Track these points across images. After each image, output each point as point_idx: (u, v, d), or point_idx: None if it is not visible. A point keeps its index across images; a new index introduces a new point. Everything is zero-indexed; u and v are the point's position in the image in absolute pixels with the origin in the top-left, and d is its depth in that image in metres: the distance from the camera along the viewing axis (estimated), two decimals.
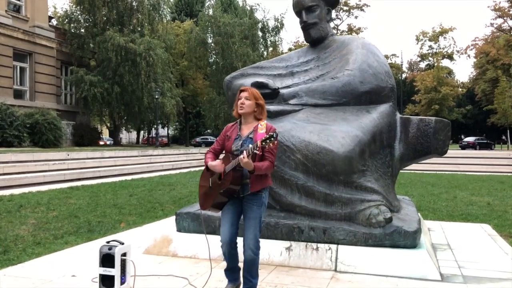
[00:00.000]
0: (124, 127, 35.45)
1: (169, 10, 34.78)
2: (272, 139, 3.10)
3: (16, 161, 12.75)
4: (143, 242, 5.05)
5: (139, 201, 9.02)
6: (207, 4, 32.54)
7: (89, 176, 14.00)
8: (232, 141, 3.48)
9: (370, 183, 4.41)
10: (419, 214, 5.26)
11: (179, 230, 4.78)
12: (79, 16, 26.18)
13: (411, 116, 5.27)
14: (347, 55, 5.49)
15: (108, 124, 33.41)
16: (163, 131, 46.91)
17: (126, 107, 25.88)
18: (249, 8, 34.03)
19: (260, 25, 34.05)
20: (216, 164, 3.38)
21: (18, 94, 21.99)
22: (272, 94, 5.24)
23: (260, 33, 34.42)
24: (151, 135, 44.98)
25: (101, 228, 6.09)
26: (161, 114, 26.48)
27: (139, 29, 26.80)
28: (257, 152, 3.19)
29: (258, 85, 5.22)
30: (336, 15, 45.78)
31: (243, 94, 3.47)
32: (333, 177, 4.33)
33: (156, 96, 24.60)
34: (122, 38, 24.30)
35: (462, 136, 52.94)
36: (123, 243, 3.41)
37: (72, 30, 25.61)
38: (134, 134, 50.25)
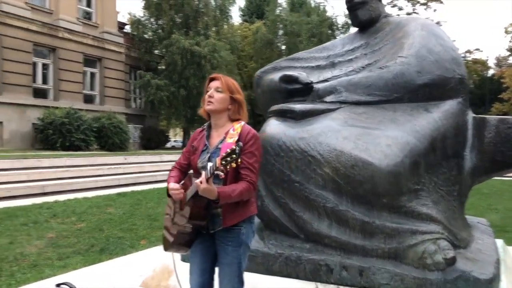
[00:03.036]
0: (191, 130, 35.61)
1: (240, 12, 34.51)
2: (234, 156, 2.08)
3: (71, 166, 12.67)
4: (151, 268, 4.22)
5: None
6: (274, 4, 31.59)
7: (144, 181, 13.64)
8: (198, 154, 2.52)
9: (426, 207, 3.22)
10: (500, 245, 3.95)
11: (183, 259, 3.88)
12: (146, 21, 26.47)
13: (487, 116, 3.96)
14: (402, 39, 4.31)
15: (178, 128, 33.71)
16: None
17: (192, 110, 25.72)
18: (317, 5, 32.74)
19: (328, 22, 32.62)
20: (173, 188, 2.43)
21: (88, 99, 22.53)
22: (304, 90, 4.21)
23: (329, 31, 32.94)
24: None
25: (116, 246, 5.38)
26: None
27: (205, 31, 26.57)
28: (220, 174, 2.20)
29: (286, 79, 4.24)
30: (413, 9, 42.97)
31: (213, 84, 2.50)
32: (373, 199, 3.21)
33: None
34: (187, 41, 24.15)
35: None
36: None
37: (140, 35, 25.93)
38: None
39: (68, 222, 6.94)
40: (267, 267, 3.50)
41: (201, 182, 2.18)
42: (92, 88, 22.89)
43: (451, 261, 2.99)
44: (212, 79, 2.53)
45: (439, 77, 3.85)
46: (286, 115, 3.84)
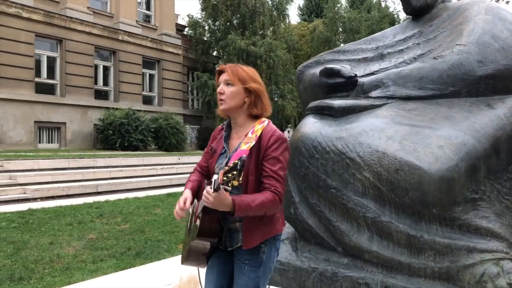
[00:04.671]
0: None
1: (298, 12, 33.95)
2: (234, 173, 1.72)
3: (125, 165, 12.86)
4: (178, 277, 3.98)
5: None
6: (333, 1, 30.76)
7: None
8: (216, 157, 2.17)
9: (486, 220, 2.71)
10: None
11: None
12: (204, 22, 26.69)
13: None
14: (461, 25, 3.78)
15: None
16: (286, 135, 46.36)
17: None
18: (378, 1, 31.55)
19: (390, 18, 31.32)
20: (186, 198, 2.11)
21: (147, 100, 22.99)
22: (346, 85, 3.79)
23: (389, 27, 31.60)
24: None
25: (153, 250, 5.18)
26: (281, 117, 25.69)
27: (261, 31, 26.38)
28: (227, 188, 1.82)
29: (327, 73, 3.84)
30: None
31: (222, 78, 2.12)
32: (421, 210, 2.74)
33: (276, 99, 23.85)
34: (243, 41, 24.06)
35: None
36: None
37: (198, 36, 26.19)
38: None
39: (113, 222, 6.89)
40: (299, 282, 3.12)
41: (208, 196, 1.84)
42: (151, 90, 23.34)
43: None
44: (221, 72, 2.17)
45: (506, 67, 3.30)
46: (324, 112, 3.45)
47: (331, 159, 3.08)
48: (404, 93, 3.47)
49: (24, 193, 9.50)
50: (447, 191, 2.68)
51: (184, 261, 2.21)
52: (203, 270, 2.33)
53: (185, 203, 2.10)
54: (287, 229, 3.70)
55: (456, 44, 3.51)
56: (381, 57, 4.18)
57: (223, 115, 2.19)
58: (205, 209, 1.97)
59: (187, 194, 2.14)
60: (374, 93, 3.63)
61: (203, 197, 1.89)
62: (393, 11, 32.17)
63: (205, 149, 2.31)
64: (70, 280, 4.03)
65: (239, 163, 1.72)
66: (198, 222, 2.06)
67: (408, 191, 2.74)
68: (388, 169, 2.82)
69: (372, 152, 2.93)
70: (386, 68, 3.89)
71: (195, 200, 2.17)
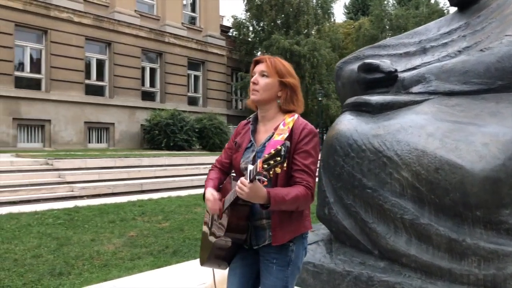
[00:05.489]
0: None
1: (344, 10, 33.41)
2: (278, 159, 1.62)
3: (169, 165, 13.05)
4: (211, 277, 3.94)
5: None
6: None
7: None
8: (242, 151, 2.09)
9: None
10: None
11: None
12: (248, 23, 26.78)
13: None
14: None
15: None
16: None
17: None
18: None
19: (439, 14, 30.24)
20: (209, 199, 2.04)
21: (192, 101, 23.33)
22: (386, 80, 3.63)
23: None
24: None
25: (190, 249, 5.19)
26: (326, 117, 25.35)
27: (305, 30, 26.15)
28: (263, 180, 1.76)
29: (366, 68, 3.70)
30: None
31: (258, 68, 2.05)
32: (463, 212, 2.55)
33: (320, 98, 23.55)
34: (287, 40, 23.94)
35: None
36: None
37: (242, 37, 26.30)
38: None
39: (154, 221, 6.98)
40: (333, 286, 3.00)
41: (242, 187, 1.75)
42: (195, 91, 23.66)
43: None
44: (257, 63, 2.09)
45: None
46: (361, 109, 3.30)
47: (367, 158, 2.94)
48: (447, 88, 3.28)
49: (72, 191, 9.83)
50: (493, 192, 2.48)
51: (205, 262, 2.15)
52: (218, 272, 2.28)
53: (213, 197, 2.04)
54: (322, 230, 3.58)
55: (506, 35, 3.28)
56: (424, 51, 3.98)
57: (252, 106, 2.13)
58: (233, 204, 1.91)
59: (211, 190, 2.08)
60: (415, 89, 3.44)
61: (236, 188, 1.80)
62: (442, 7, 31.06)
63: (226, 144, 2.25)
64: (107, 277, 4.08)
65: (283, 148, 1.63)
66: (223, 218, 2.00)
67: (449, 191, 2.56)
68: (428, 168, 2.65)
69: (411, 150, 2.76)
70: (428, 62, 3.70)
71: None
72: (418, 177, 2.69)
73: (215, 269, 2.32)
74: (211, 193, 2.06)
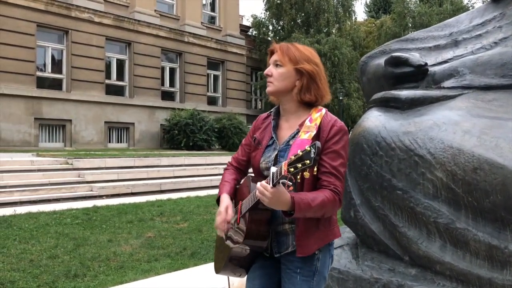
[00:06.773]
0: None
1: (365, 9, 32.93)
2: (307, 163, 1.44)
3: (188, 164, 12.97)
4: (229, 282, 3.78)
5: None
6: None
7: None
8: (262, 149, 1.91)
9: None
10: None
11: None
12: (267, 22, 26.61)
13: None
14: None
15: None
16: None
17: None
18: None
19: (463, 11, 29.57)
20: (221, 213, 1.86)
21: (212, 101, 23.28)
22: (415, 75, 3.41)
23: None
24: None
25: (208, 251, 5.05)
26: (347, 116, 24.99)
27: (326, 29, 25.85)
28: (288, 183, 1.57)
29: (394, 62, 3.48)
30: None
31: (272, 59, 1.88)
32: (505, 216, 2.33)
33: (341, 97, 23.23)
34: (307, 39, 23.68)
35: None
36: None
37: (262, 36, 26.14)
38: None
39: (172, 221, 6.87)
40: None
41: (264, 191, 1.57)
42: (215, 90, 23.60)
43: None
44: (272, 53, 1.92)
45: None
46: (389, 105, 3.09)
47: (397, 157, 2.73)
48: (483, 82, 3.04)
49: (91, 191, 9.81)
50: None
51: (221, 270, 1.98)
52: (236, 280, 2.11)
53: (227, 211, 1.86)
54: (347, 234, 3.38)
55: None
56: (456, 43, 3.73)
57: (272, 99, 1.95)
58: (253, 208, 1.73)
59: (226, 201, 1.89)
60: (447, 83, 3.22)
61: (256, 192, 1.62)
62: (467, 4, 30.34)
63: (243, 140, 2.07)
64: (123, 280, 3.97)
65: (313, 150, 1.45)
66: (241, 223, 1.83)
67: (489, 193, 2.34)
68: (465, 168, 2.43)
69: (445, 148, 2.55)
70: (461, 55, 3.46)
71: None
72: (453, 177, 2.47)
73: (230, 277, 2.15)
74: (226, 206, 1.86)
